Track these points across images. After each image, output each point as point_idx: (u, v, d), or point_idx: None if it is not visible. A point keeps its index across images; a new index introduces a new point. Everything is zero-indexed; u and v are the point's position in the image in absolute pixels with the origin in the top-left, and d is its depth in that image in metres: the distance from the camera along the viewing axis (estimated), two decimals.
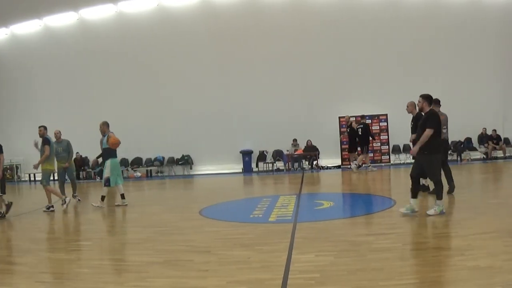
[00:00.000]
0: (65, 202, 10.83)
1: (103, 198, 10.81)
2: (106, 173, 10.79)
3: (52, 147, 10.88)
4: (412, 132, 10.60)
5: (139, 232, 7.60)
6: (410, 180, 7.84)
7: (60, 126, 15.18)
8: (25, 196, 16.20)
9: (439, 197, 7.54)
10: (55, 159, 11.25)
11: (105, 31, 20.70)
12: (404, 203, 9.14)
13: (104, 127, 11.03)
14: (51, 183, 11.71)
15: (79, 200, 12.22)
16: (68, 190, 12.20)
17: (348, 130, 17.48)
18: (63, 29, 21.14)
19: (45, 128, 10.99)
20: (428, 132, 7.48)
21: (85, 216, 10.05)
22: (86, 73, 21.01)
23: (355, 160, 17.01)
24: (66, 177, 12.28)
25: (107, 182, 10.74)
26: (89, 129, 18.65)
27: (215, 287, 4.61)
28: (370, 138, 17.25)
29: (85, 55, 20.77)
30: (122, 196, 11.01)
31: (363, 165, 16.93)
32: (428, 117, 7.68)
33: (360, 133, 16.68)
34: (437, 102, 10.23)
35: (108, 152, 10.93)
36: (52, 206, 10.64)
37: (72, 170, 12.50)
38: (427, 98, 7.83)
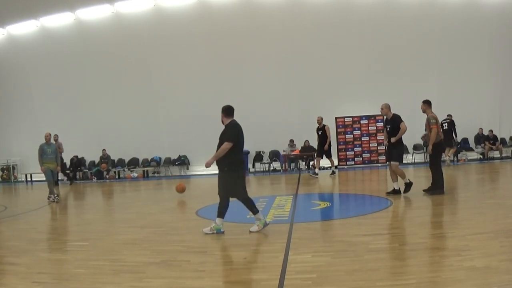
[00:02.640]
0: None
1: None
2: None
3: None
4: (389, 135, 9.96)
5: (136, 233, 7.59)
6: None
7: (57, 126, 15.26)
8: (22, 197, 16.13)
9: (220, 215, 7.09)
10: None
11: (102, 31, 20.62)
12: (400, 203, 9.19)
13: None
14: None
15: (55, 199, 12.30)
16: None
17: (320, 133, 15.85)
18: (59, 30, 21.05)
19: None
20: (226, 145, 7.12)
21: (82, 217, 10.03)
22: (83, 74, 20.90)
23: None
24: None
25: None
26: (86, 129, 18.66)
27: None
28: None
29: (82, 56, 20.66)
30: None
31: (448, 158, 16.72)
32: (227, 129, 7.25)
33: (445, 127, 16.19)
34: (429, 103, 10.11)
35: None
36: None
37: (56, 172, 13.25)
38: (224, 110, 7.36)
